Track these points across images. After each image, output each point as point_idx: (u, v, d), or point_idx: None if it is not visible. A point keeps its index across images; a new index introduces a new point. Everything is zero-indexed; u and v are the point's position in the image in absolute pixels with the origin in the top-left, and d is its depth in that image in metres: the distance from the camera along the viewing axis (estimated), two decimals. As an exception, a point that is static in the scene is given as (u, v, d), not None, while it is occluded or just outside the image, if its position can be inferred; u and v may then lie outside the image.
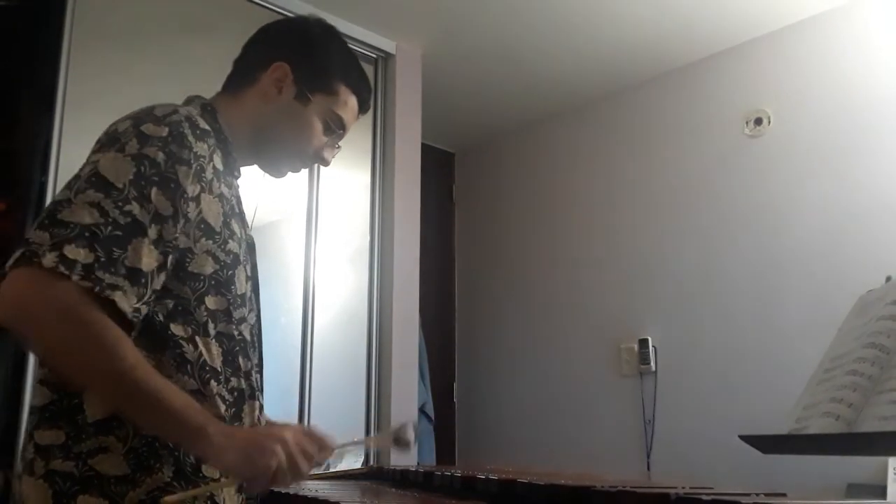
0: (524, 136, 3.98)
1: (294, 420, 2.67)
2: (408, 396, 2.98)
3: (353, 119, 1.31)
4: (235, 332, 1.13)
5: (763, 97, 3.06)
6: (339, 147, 1.33)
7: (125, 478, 0.98)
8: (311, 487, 1.44)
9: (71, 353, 0.94)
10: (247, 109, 1.23)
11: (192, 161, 1.05)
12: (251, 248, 1.23)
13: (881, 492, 2.33)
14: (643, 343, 3.23)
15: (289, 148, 1.26)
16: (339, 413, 2.90)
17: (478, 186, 4.18)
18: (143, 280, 0.98)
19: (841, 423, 0.90)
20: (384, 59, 3.20)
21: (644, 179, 3.40)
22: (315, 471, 1.12)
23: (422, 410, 3.22)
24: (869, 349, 0.95)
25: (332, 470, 1.78)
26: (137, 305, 0.97)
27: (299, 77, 1.23)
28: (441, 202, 4.14)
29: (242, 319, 1.15)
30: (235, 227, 1.15)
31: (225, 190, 1.13)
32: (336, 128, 1.27)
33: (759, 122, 3.06)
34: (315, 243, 2.84)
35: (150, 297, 1.00)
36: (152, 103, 1.10)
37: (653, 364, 3.19)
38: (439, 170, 4.15)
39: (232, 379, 1.11)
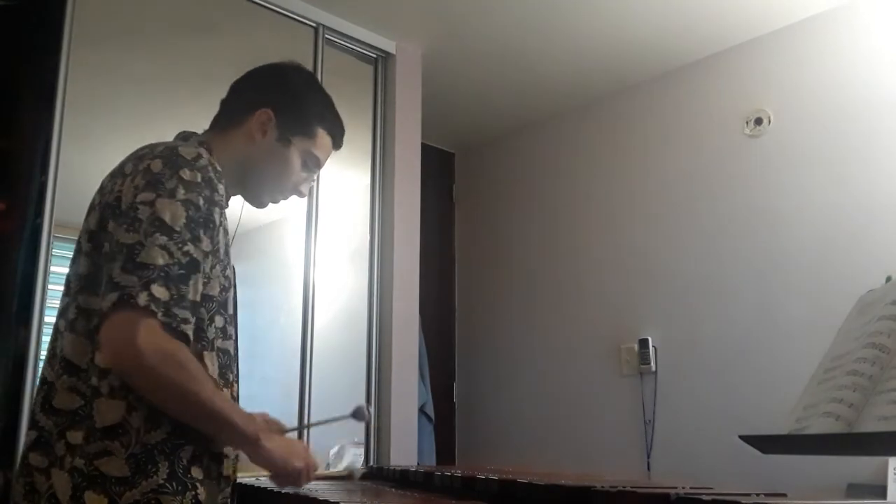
0: (524, 136, 3.98)
1: (294, 419, 2.67)
2: (408, 396, 2.98)
3: (328, 156, 1.49)
4: (229, 348, 1.27)
5: (763, 97, 3.06)
6: (314, 180, 1.51)
7: (125, 479, 1.10)
8: (311, 487, 1.45)
9: (172, 387, 1.10)
10: (233, 148, 1.37)
11: (219, 201, 1.22)
12: (233, 270, 1.36)
13: (881, 492, 2.33)
14: (643, 343, 3.23)
15: (270, 183, 1.43)
16: (338, 413, 2.90)
17: (478, 186, 4.18)
18: (196, 311, 1.16)
19: (841, 423, 0.90)
20: (384, 59, 3.20)
21: (644, 179, 3.40)
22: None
23: (422, 410, 3.22)
24: (869, 349, 0.95)
25: (332, 470, 1.79)
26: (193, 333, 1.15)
27: (282, 122, 1.39)
28: (441, 202, 4.14)
29: (231, 336, 1.30)
30: (230, 253, 1.31)
31: (226, 222, 1.29)
32: (312, 166, 1.45)
33: (759, 121, 3.06)
34: (315, 243, 2.84)
35: None
36: (170, 142, 1.27)
37: (653, 364, 3.19)
38: (439, 170, 4.16)
39: (224, 389, 1.25)
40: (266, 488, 1.37)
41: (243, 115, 1.39)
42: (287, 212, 3.06)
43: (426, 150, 3.39)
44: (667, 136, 3.36)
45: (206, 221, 1.18)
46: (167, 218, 1.13)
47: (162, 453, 1.13)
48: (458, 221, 4.23)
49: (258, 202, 1.46)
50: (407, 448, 2.90)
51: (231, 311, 1.29)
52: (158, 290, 1.08)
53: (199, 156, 1.21)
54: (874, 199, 2.70)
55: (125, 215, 1.14)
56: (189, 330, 1.12)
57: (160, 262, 1.10)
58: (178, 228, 1.13)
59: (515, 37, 3.13)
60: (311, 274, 2.82)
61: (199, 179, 1.18)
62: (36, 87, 2.25)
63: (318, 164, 1.46)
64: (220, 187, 1.23)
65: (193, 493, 1.16)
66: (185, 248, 1.13)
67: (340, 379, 2.98)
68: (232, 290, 1.30)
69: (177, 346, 1.10)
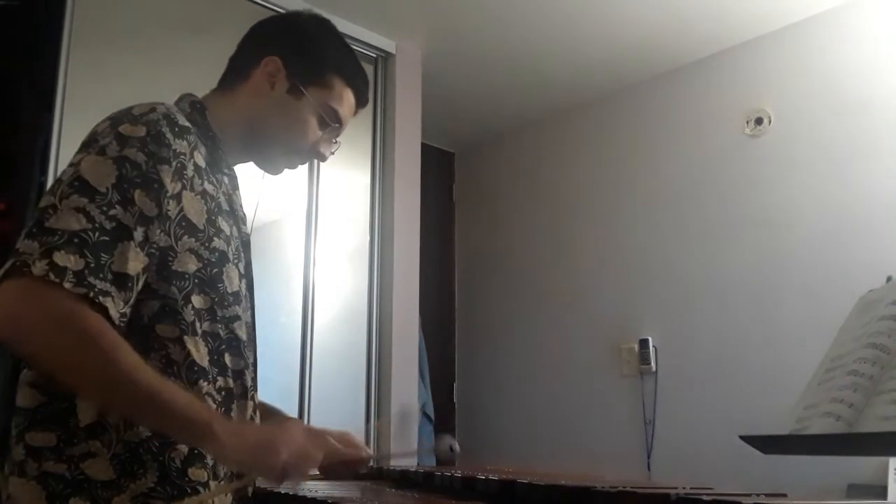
0: (524, 136, 3.97)
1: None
2: (408, 396, 2.98)
3: (350, 112, 1.29)
4: (222, 332, 1.11)
5: (763, 97, 3.06)
6: (337, 143, 1.31)
7: (111, 483, 0.98)
8: (310, 487, 1.44)
9: (69, 361, 0.93)
10: (239, 106, 1.22)
11: (171, 159, 1.04)
12: (246, 245, 1.22)
13: (882, 492, 2.33)
14: (643, 343, 3.23)
15: (283, 143, 1.24)
16: (339, 413, 2.90)
17: (478, 186, 4.18)
18: (129, 284, 0.98)
19: (842, 424, 0.90)
20: (384, 59, 3.20)
21: (644, 179, 3.40)
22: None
23: (422, 410, 3.22)
24: (870, 349, 0.95)
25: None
26: (124, 310, 0.97)
27: (292, 71, 1.22)
28: (441, 202, 4.14)
29: (235, 318, 1.14)
30: (223, 224, 1.14)
31: (209, 187, 1.12)
32: (331, 121, 1.25)
33: (759, 121, 3.06)
34: (315, 243, 2.84)
35: (133, 300, 0.99)
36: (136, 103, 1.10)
37: (653, 364, 3.19)
38: (439, 170, 4.16)
39: (219, 378, 1.10)
40: (263, 488, 1.36)
41: (249, 68, 1.22)
42: (287, 212, 3.06)
43: (426, 149, 3.39)
44: (667, 136, 3.36)
45: (148, 181, 1.00)
46: (90, 177, 0.98)
47: (149, 452, 1.00)
48: (458, 221, 4.23)
49: (272, 167, 1.27)
50: (407, 448, 2.90)
51: (232, 288, 1.13)
52: (66, 258, 0.91)
53: (153, 109, 1.06)
54: (875, 199, 2.70)
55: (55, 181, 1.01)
56: (110, 304, 0.94)
57: (74, 226, 0.93)
58: (103, 189, 0.97)
59: (515, 36, 3.13)
60: (311, 274, 2.82)
61: (142, 133, 1.02)
62: (36, 87, 2.25)
63: (337, 120, 1.25)
64: (179, 143, 1.05)
65: (195, 497, 1.03)
66: (112, 212, 0.96)
67: (340, 379, 2.98)
68: (232, 265, 1.14)
69: (78, 313, 0.91)
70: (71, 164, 1.01)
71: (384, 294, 3.01)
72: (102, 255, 0.94)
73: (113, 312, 0.95)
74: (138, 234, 0.99)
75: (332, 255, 3.01)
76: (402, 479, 1.62)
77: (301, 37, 1.26)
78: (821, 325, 2.35)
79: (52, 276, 0.90)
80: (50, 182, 2.17)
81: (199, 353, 1.07)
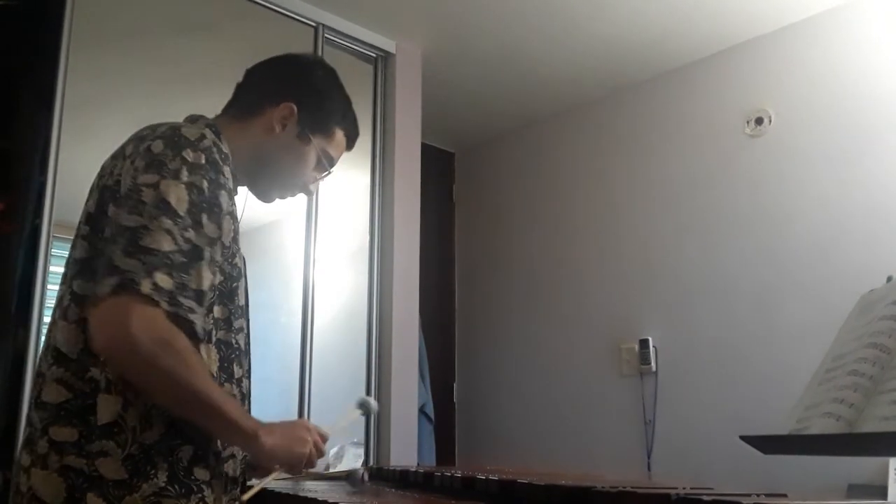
0: (524, 136, 3.97)
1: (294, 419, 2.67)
2: (408, 396, 2.98)
3: (341, 155, 1.45)
4: (233, 341, 1.21)
5: (764, 97, 3.06)
6: (323, 179, 1.46)
7: (123, 482, 1.05)
8: (310, 487, 1.44)
9: (166, 375, 1.04)
10: (249, 137, 1.33)
11: (224, 184, 1.16)
12: (244, 261, 1.31)
13: (882, 492, 2.33)
14: (643, 343, 3.23)
15: (283, 178, 1.38)
16: (338, 413, 2.90)
17: (478, 186, 4.18)
18: (204, 301, 1.10)
19: (842, 424, 0.90)
20: (384, 59, 3.20)
21: (644, 179, 3.40)
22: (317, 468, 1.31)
23: (422, 410, 3.22)
24: (870, 349, 0.95)
25: (332, 470, 1.79)
26: (202, 323, 1.10)
27: (303, 119, 1.35)
28: (441, 202, 4.14)
29: (241, 329, 1.24)
30: (240, 242, 1.25)
31: (234, 208, 1.23)
32: (327, 166, 1.41)
33: (759, 121, 3.06)
34: (315, 243, 2.84)
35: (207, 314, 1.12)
36: (173, 121, 1.20)
37: (653, 364, 3.19)
38: (439, 170, 4.15)
39: (225, 384, 1.19)
40: (266, 488, 1.36)
41: (263, 106, 1.34)
42: (287, 212, 3.06)
43: (426, 149, 3.39)
44: (667, 136, 3.36)
45: (211, 206, 1.12)
46: (172, 200, 1.07)
47: (160, 454, 1.08)
48: (458, 221, 4.23)
49: (266, 196, 1.41)
50: (407, 448, 2.90)
51: (241, 301, 1.25)
52: (162, 279, 1.03)
53: (203, 136, 1.16)
54: (875, 199, 2.70)
55: (127, 198, 1.09)
56: (197, 319, 1.07)
57: (165, 247, 1.05)
58: (181, 212, 1.08)
59: (515, 36, 3.13)
60: (311, 274, 2.82)
61: (202, 161, 1.13)
62: (35, 87, 2.25)
63: (331, 164, 1.42)
64: (227, 170, 1.18)
65: (199, 495, 1.11)
66: (187, 235, 1.07)
67: (340, 379, 2.98)
68: (242, 280, 1.26)
69: (176, 334, 1.04)
70: (147, 185, 1.09)
71: (384, 294, 3.01)
72: (184, 275, 1.06)
73: (199, 328, 1.08)
74: (207, 254, 1.11)
75: (333, 255, 3.01)
76: (402, 480, 1.63)
77: (314, 88, 1.39)
78: (821, 324, 2.35)
79: (155, 297, 1.02)
80: (49, 182, 2.18)
81: (210, 358, 1.16)
